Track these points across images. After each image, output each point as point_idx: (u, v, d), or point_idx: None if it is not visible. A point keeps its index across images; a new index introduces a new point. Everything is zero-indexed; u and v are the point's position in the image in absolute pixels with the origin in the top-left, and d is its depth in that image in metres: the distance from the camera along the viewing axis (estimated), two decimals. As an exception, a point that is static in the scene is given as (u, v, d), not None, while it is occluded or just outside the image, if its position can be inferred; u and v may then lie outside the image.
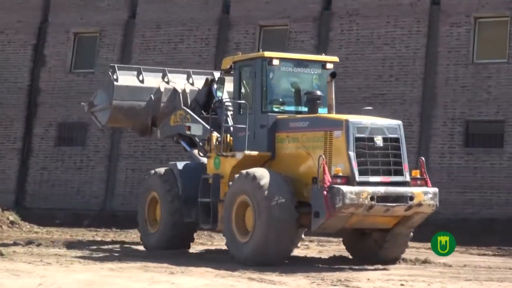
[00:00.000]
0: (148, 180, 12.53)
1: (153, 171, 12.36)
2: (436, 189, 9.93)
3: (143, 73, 13.34)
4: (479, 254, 13.32)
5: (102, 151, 19.87)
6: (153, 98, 13.17)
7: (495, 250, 14.01)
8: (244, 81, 11.19)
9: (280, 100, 11.00)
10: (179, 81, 13.49)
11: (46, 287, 7.56)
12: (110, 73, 13.30)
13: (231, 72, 11.35)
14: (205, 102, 12.58)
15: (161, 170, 12.08)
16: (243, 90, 11.11)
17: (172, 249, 11.43)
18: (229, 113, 11.40)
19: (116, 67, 13.35)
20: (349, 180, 9.27)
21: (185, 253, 11.55)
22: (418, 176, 9.89)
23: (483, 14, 17.05)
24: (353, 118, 9.77)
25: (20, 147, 20.51)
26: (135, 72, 13.46)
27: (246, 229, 10.04)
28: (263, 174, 9.77)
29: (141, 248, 12.87)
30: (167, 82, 13.43)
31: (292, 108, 11.01)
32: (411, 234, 10.49)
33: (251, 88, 10.87)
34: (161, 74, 13.51)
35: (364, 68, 18.57)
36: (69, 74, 20.23)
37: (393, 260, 10.44)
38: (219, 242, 13.47)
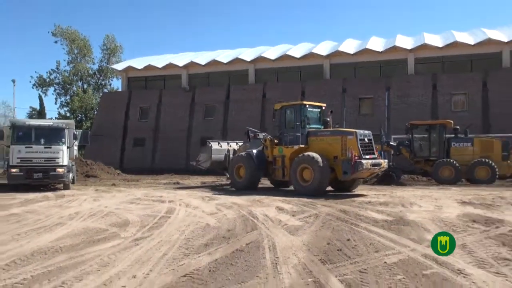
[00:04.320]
0: (235, 158, 17.34)
1: (238, 154, 17.40)
2: (386, 160, 15.40)
3: (221, 142, 19.71)
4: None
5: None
6: (226, 154, 19.30)
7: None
8: (286, 115, 16.17)
9: (308, 122, 15.81)
10: (234, 145, 19.91)
11: (130, 196, 13.43)
12: (207, 143, 19.41)
13: (278, 110, 16.28)
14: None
15: (243, 153, 17.04)
16: (286, 120, 16.12)
17: (249, 188, 16.40)
18: (262, 134, 17.15)
19: (210, 141, 19.36)
20: (359, 157, 14.08)
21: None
22: (377, 154, 15.00)
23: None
24: (357, 130, 14.49)
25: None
26: (217, 142, 19.78)
27: (304, 179, 14.63)
28: (316, 155, 14.32)
29: (164, 182, 20.46)
30: (230, 146, 19.71)
31: (311, 126, 15.84)
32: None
33: (293, 118, 15.76)
34: (227, 142, 19.98)
35: (242, 122, 29.91)
36: None
37: (353, 190, 15.51)
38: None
